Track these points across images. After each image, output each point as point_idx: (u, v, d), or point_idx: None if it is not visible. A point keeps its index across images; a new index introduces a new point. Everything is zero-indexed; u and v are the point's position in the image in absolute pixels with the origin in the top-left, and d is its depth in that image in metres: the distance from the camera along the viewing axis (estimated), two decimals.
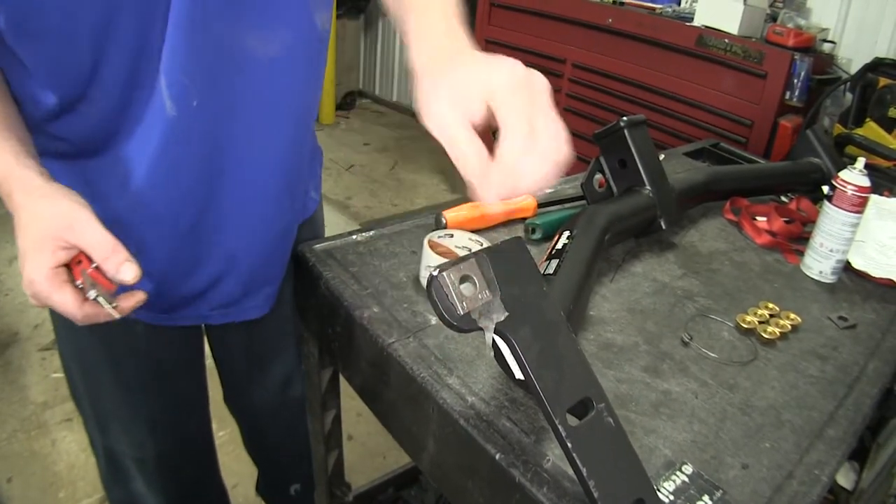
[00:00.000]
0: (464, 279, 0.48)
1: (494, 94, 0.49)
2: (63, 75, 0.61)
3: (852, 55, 2.24)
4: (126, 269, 0.59)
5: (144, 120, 0.65)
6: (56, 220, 0.59)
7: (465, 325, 0.48)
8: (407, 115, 4.75)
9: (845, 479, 0.97)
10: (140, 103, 0.64)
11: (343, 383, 0.97)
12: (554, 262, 0.72)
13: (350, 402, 0.96)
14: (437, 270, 0.46)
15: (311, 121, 0.81)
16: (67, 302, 0.59)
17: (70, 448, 1.72)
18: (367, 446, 1.85)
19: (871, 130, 1.85)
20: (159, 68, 0.62)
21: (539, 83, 0.50)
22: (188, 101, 0.65)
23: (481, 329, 0.49)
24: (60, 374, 1.90)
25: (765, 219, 1.09)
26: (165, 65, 0.62)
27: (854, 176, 0.90)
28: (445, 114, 0.50)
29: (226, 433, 1.63)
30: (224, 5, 0.62)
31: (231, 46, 0.64)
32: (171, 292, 0.79)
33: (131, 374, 0.87)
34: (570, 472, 0.53)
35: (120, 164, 0.68)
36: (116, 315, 0.61)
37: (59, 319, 0.84)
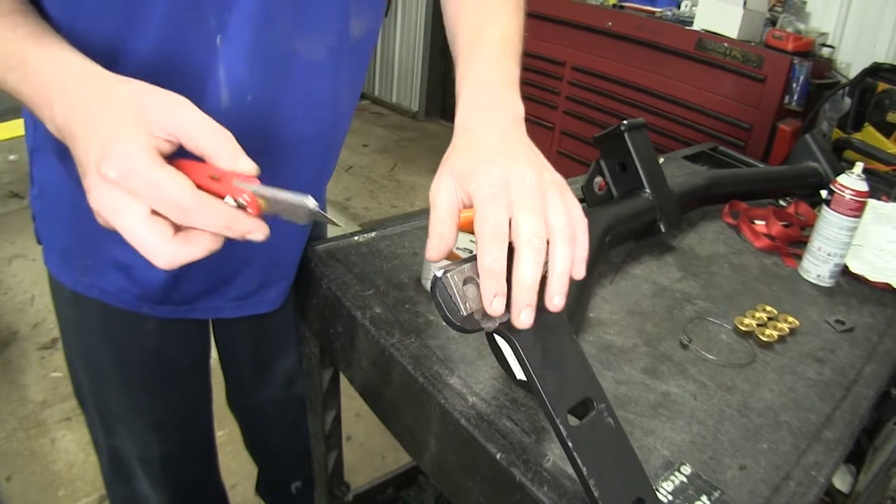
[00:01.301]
0: (467, 281, 0.48)
1: (475, 205, 0.53)
2: (90, 48, 0.57)
3: (851, 60, 2.25)
4: (245, 160, 0.48)
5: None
6: (149, 99, 0.48)
7: (469, 325, 0.48)
8: (406, 116, 4.75)
9: (841, 482, 0.97)
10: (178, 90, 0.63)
11: (341, 383, 0.97)
12: None
13: (349, 402, 0.97)
14: (442, 272, 0.47)
15: (345, 126, 0.81)
16: (181, 182, 0.45)
17: (69, 447, 1.72)
18: (365, 447, 1.85)
19: (869, 135, 1.86)
20: (196, 58, 0.61)
21: (529, 182, 0.53)
22: (244, 94, 0.64)
23: (484, 330, 0.50)
24: (60, 373, 1.90)
25: (763, 222, 1.09)
26: (226, 56, 0.61)
27: (852, 180, 0.91)
28: (447, 187, 0.54)
29: (225, 433, 1.63)
30: (285, 6, 0.62)
31: (285, 46, 0.65)
32: (192, 283, 0.78)
33: (139, 374, 0.86)
34: (571, 471, 0.54)
35: None
36: (256, 226, 0.50)
37: (64, 318, 0.84)
